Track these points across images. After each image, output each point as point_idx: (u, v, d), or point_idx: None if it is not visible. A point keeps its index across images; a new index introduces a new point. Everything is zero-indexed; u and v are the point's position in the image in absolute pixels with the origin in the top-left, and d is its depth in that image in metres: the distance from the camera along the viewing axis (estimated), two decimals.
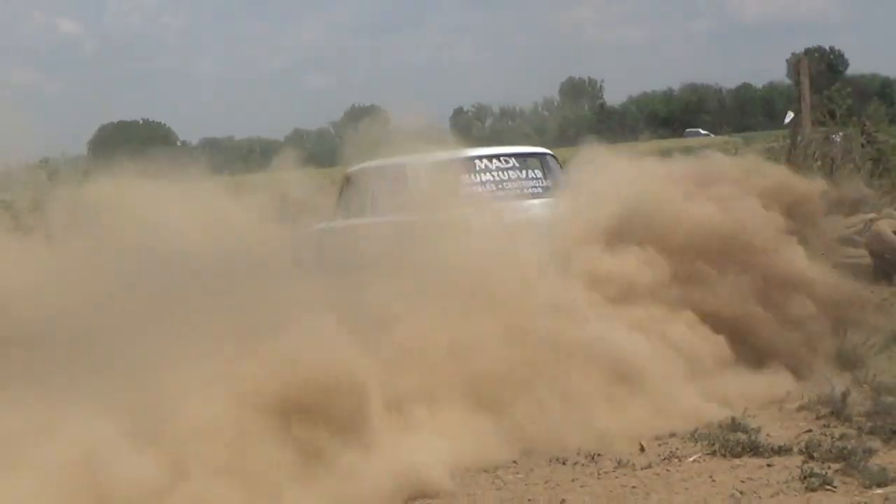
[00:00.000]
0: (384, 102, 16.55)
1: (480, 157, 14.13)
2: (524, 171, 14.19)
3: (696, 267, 11.25)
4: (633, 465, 9.07)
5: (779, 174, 12.65)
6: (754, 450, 9.16)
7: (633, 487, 8.66)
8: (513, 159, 14.28)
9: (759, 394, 10.49)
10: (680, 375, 10.36)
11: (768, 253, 11.49)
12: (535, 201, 13.35)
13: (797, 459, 8.91)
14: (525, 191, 13.91)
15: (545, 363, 9.75)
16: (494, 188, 13.89)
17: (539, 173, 14.31)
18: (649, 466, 9.04)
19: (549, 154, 14.78)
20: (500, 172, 14.05)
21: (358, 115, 17.22)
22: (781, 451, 9.10)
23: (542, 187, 14.13)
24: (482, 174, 14.00)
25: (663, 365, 10.29)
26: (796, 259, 11.65)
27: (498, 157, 14.21)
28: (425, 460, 8.79)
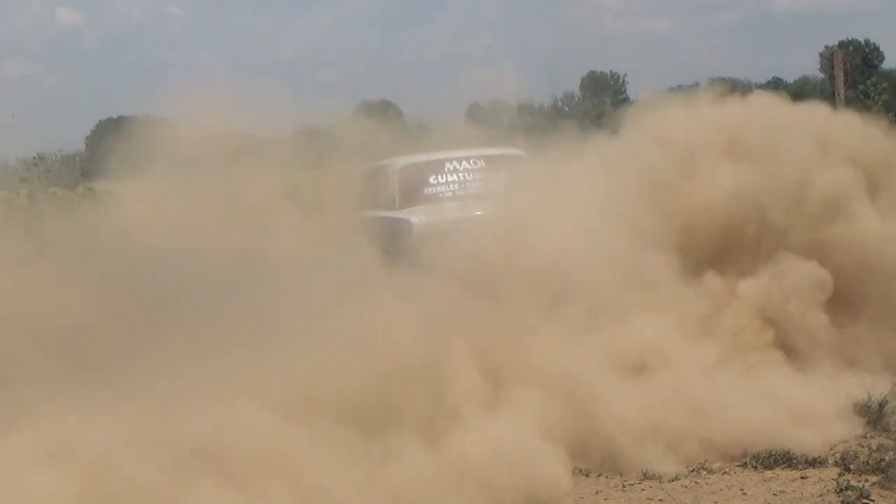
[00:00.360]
0: (397, 97, 16.67)
1: (450, 159, 15.59)
2: (490, 172, 15.37)
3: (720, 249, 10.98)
4: (660, 476, 9.04)
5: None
6: (787, 461, 9.13)
7: (660, 501, 8.66)
8: (481, 161, 15.65)
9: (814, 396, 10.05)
10: (722, 373, 10.13)
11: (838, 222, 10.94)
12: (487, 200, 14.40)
13: (832, 472, 8.89)
14: (485, 190, 14.94)
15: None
16: (457, 188, 15.36)
17: (499, 173, 15.23)
18: (676, 478, 9.02)
19: (519, 155, 15.71)
20: (466, 173, 15.50)
21: (369, 110, 17.33)
22: (816, 462, 9.07)
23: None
24: (449, 175, 15.46)
25: (697, 359, 10.15)
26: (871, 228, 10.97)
27: (467, 158, 15.65)
28: (545, 459, 8.75)
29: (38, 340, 9.45)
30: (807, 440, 9.34)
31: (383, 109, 16.68)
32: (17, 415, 8.50)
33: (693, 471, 9.12)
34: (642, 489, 8.88)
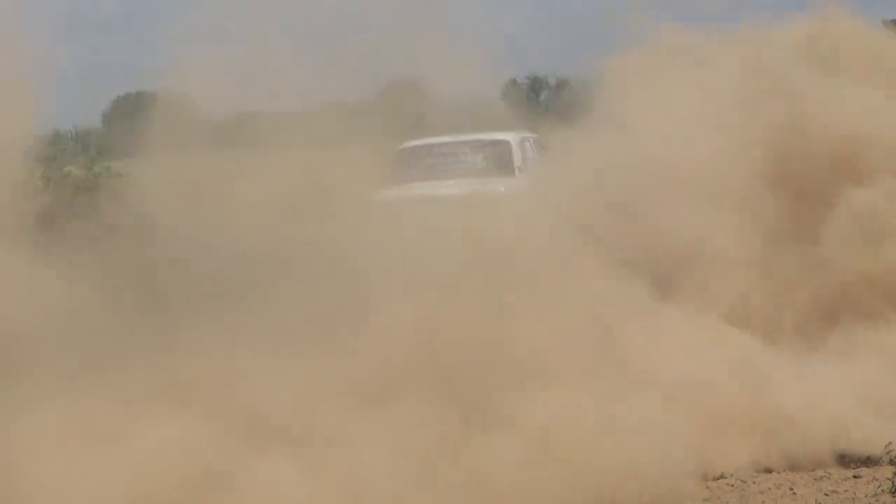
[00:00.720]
0: (428, 73, 16.76)
1: (439, 144, 17.46)
2: (467, 157, 17.37)
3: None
4: (706, 474, 8.92)
5: None
6: (839, 459, 9.06)
7: (705, 500, 8.59)
8: (465, 146, 17.55)
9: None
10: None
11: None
12: (450, 181, 16.31)
13: (887, 471, 8.79)
14: (453, 172, 16.88)
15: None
16: (431, 170, 17.14)
17: (479, 158, 17.37)
18: (722, 476, 8.94)
19: (504, 141, 17.58)
20: (443, 157, 17.39)
21: (397, 88, 17.46)
22: (869, 461, 9.01)
23: (478, 170, 16.99)
24: (432, 158, 17.40)
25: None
26: None
27: (452, 143, 17.51)
28: (673, 462, 8.50)
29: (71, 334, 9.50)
30: (868, 437, 9.21)
31: (412, 85, 16.77)
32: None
33: (740, 468, 9.03)
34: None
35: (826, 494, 8.52)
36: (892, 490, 8.35)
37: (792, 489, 8.64)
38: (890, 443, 9.15)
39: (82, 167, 18.65)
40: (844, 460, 9.01)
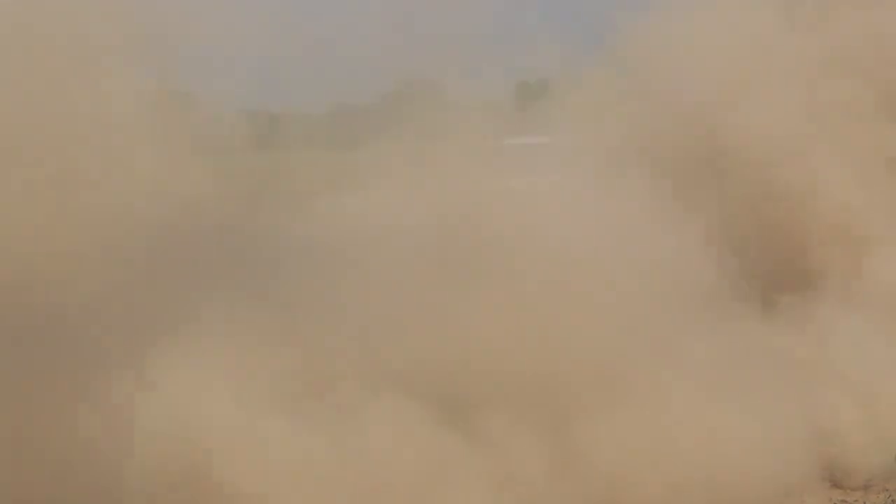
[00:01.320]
0: (441, 74, 16.71)
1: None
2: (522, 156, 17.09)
3: None
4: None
5: None
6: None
7: None
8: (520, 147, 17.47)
9: None
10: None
11: None
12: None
13: None
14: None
15: None
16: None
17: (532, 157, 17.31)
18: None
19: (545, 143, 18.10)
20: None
21: (412, 88, 17.49)
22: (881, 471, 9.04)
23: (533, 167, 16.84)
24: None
25: None
26: None
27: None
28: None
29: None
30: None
31: (425, 87, 16.76)
32: None
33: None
34: None
35: None
36: None
37: (801, 499, 8.70)
38: None
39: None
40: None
